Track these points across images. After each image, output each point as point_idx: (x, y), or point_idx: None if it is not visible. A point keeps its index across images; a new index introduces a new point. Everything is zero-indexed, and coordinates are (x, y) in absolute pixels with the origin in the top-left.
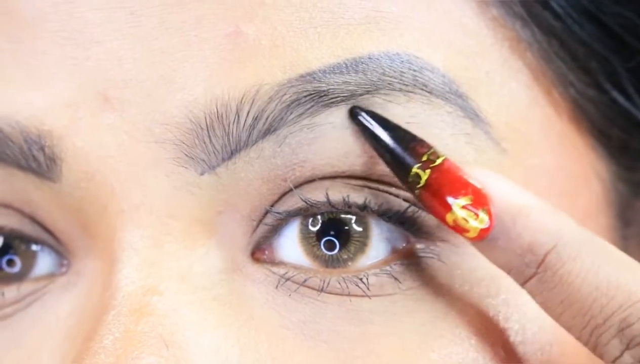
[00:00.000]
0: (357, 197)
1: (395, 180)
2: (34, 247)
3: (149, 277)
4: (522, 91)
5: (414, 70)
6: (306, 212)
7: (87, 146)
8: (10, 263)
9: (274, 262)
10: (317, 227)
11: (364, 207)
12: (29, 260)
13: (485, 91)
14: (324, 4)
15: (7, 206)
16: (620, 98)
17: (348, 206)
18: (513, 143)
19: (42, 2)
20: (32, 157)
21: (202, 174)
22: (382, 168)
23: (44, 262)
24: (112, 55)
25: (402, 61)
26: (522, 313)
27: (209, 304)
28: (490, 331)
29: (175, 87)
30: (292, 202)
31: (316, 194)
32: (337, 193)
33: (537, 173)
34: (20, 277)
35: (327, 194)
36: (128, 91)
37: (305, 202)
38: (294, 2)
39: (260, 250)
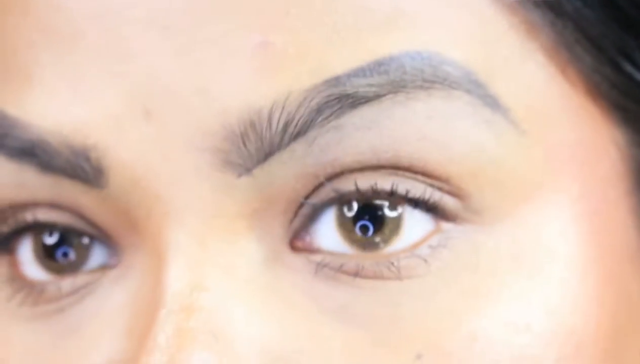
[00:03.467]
0: (385, 184)
1: (422, 167)
2: (86, 240)
3: (196, 274)
4: (539, 71)
5: (434, 66)
6: (339, 201)
7: (131, 157)
8: (65, 255)
9: (311, 249)
10: (353, 213)
11: (391, 193)
12: (83, 252)
13: (504, 76)
14: (345, 9)
15: (58, 206)
16: (635, 72)
17: (377, 193)
18: (533, 124)
19: (79, 17)
20: (79, 167)
21: (239, 176)
22: (409, 159)
23: (97, 255)
24: (150, 69)
25: (423, 59)
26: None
27: (253, 295)
28: (515, 304)
29: (210, 98)
30: (325, 193)
31: (346, 184)
32: (365, 181)
33: (557, 149)
34: (74, 269)
35: (355, 183)
36: (167, 103)
37: (336, 192)
38: (317, 9)
39: (298, 239)
